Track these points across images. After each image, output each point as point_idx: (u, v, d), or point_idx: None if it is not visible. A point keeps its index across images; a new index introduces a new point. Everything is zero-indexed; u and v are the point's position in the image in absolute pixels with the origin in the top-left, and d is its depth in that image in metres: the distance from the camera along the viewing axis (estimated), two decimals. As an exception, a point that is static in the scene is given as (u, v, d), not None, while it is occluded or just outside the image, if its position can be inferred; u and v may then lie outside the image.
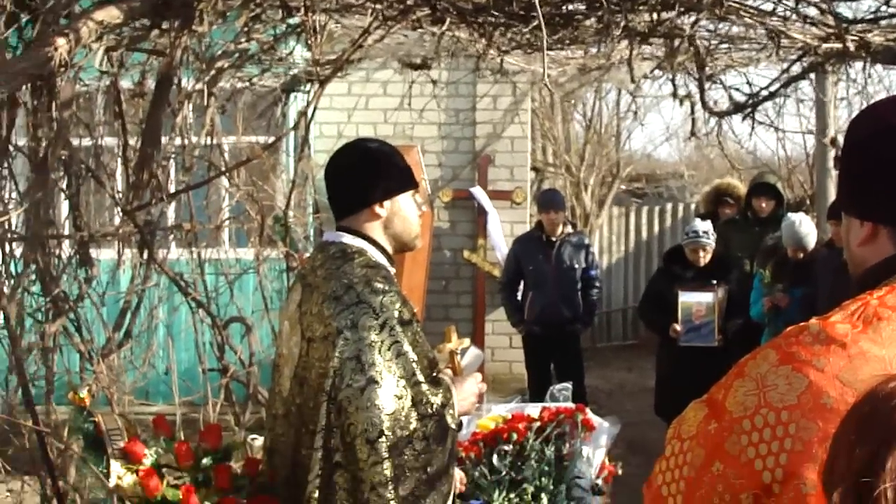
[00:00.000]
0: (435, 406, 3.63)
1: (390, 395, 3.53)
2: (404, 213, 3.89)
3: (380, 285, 3.66)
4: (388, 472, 3.49)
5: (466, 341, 4.33)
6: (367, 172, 3.87)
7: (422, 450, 3.57)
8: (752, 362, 2.08)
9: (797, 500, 1.94)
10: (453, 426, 3.71)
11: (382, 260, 3.83)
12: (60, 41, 3.11)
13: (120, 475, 4.11)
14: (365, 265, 3.73)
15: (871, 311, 2.03)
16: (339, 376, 3.56)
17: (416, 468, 3.56)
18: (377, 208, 3.84)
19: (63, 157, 5.29)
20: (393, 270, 3.87)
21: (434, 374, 3.80)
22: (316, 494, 3.63)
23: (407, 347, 3.62)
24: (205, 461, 4.28)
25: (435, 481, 3.61)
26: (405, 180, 3.93)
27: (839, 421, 1.86)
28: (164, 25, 4.31)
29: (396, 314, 3.63)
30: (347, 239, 3.83)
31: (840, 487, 1.57)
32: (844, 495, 1.54)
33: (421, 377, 3.63)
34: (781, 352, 2.04)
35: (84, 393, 4.51)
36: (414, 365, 3.62)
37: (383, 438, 3.49)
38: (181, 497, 4.11)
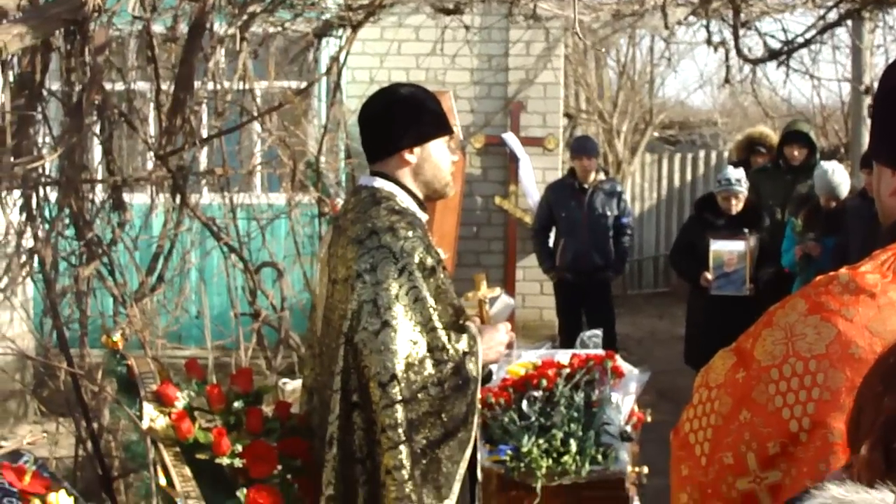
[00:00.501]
0: (451, 353, 3.63)
1: (405, 340, 3.54)
2: (435, 159, 3.86)
3: (403, 231, 3.65)
4: (399, 416, 3.51)
5: (497, 290, 4.32)
6: (397, 118, 3.85)
7: (437, 395, 3.57)
8: (781, 311, 2.08)
9: (824, 448, 1.95)
10: (475, 374, 3.69)
11: (412, 205, 3.82)
12: (93, -14, 3.12)
13: (153, 417, 4.15)
14: (391, 210, 3.73)
15: None
16: (357, 318, 3.58)
17: (431, 413, 3.57)
18: (407, 154, 3.82)
19: (96, 102, 5.30)
20: (424, 216, 3.85)
21: (460, 322, 3.80)
22: (336, 434, 3.66)
23: (426, 293, 3.61)
24: (236, 404, 4.31)
25: (451, 428, 3.60)
26: (436, 127, 3.89)
27: (867, 370, 1.87)
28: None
29: (417, 260, 3.62)
30: (379, 183, 3.83)
31: (868, 440, 1.56)
32: (873, 447, 1.53)
33: (438, 323, 3.62)
34: (811, 301, 2.04)
35: (117, 336, 4.55)
36: (431, 311, 3.61)
37: (395, 382, 3.50)
38: (213, 439, 4.15)
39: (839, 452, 1.92)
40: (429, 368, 3.57)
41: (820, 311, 2.01)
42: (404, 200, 3.80)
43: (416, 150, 3.83)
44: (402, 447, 3.52)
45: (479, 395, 3.75)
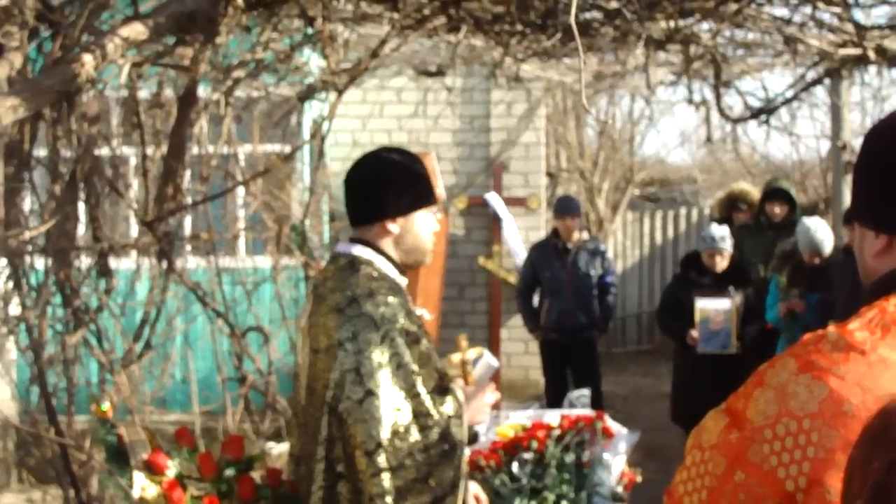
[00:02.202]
0: (437, 418, 3.60)
1: (389, 407, 3.51)
2: (417, 230, 3.82)
3: (383, 297, 3.63)
4: (386, 484, 3.48)
5: (480, 350, 4.32)
6: (382, 186, 3.82)
7: (423, 461, 3.54)
8: (772, 371, 2.10)
9: None
10: (461, 438, 3.67)
11: (392, 271, 3.79)
12: (87, 58, 3.13)
13: (144, 486, 4.13)
14: (370, 277, 3.70)
15: (889, 318, 2.05)
16: (340, 387, 3.56)
17: (418, 479, 3.54)
18: (389, 224, 3.79)
19: (85, 170, 5.32)
20: (404, 281, 3.83)
21: (444, 386, 3.78)
22: (316, 502, 3.63)
23: (408, 359, 3.58)
24: (228, 472, 4.29)
25: (438, 493, 3.58)
26: (422, 197, 3.85)
27: (861, 427, 1.89)
28: (187, 39, 4.33)
29: (399, 326, 3.60)
30: (357, 250, 3.80)
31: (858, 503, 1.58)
32: None
33: (422, 389, 3.60)
34: (801, 360, 2.06)
35: (106, 405, 4.53)
36: (415, 377, 3.59)
37: (381, 450, 3.48)
38: (205, 508, 4.13)
39: None
40: (414, 435, 3.54)
41: (811, 370, 2.02)
42: (383, 267, 3.77)
43: (400, 220, 3.79)
44: None
45: (465, 459, 3.73)
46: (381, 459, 3.48)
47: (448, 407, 3.68)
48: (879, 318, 2.05)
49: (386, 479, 3.48)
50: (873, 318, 2.06)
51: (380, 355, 3.54)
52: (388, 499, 3.49)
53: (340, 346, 3.59)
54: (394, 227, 3.79)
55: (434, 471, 3.56)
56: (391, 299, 3.64)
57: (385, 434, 3.49)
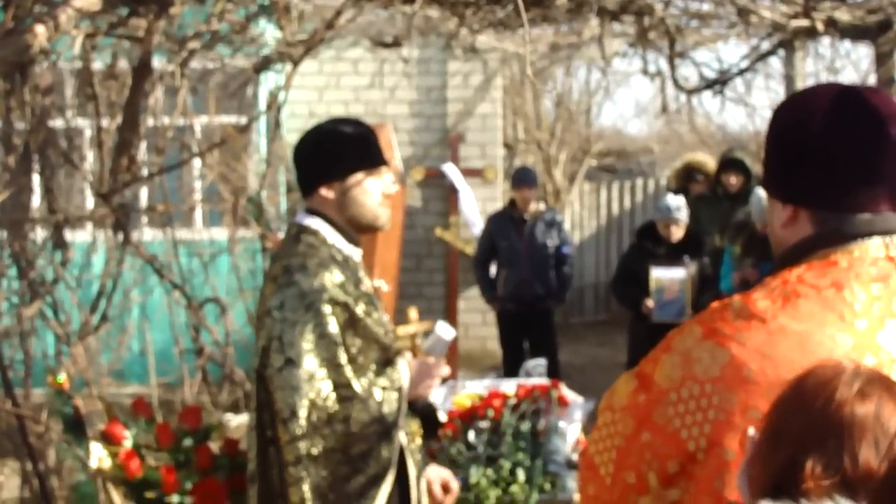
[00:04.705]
0: (358, 390, 3.58)
1: (308, 377, 3.52)
2: (354, 194, 3.78)
3: (314, 268, 3.63)
4: (300, 451, 3.49)
5: (438, 323, 4.31)
6: (315, 154, 3.83)
7: (342, 431, 3.53)
8: (679, 337, 2.19)
9: (719, 467, 2.05)
10: (392, 410, 3.63)
11: (339, 241, 3.78)
12: (40, 29, 3.12)
13: (101, 457, 4.14)
14: (310, 246, 3.70)
15: (791, 288, 2.13)
16: (266, 355, 3.58)
17: (336, 450, 3.54)
18: (324, 190, 3.77)
19: (39, 142, 5.30)
20: (354, 251, 3.82)
21: (389, 358, 3.76)
22: (255, 469, 3.66)
23: (331, 330, 3.57)
24: (185, 442, 4.32)
25: (359, 464, 3.57)
26: (358, 160, 3.81)
27: (759, 392, 1.98)
28: (141, 10, 4.32)
29: (326, 297, 3.59)
30: (307, 220, 3.80)
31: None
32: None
33: (343, 360, 3.58)
34: (706, 327, 2.15)
35: (63, 377, 4.54)
36: (336, 348, 3.58)
37: (295, 418, 3.48)
38: (162, 478, 4.15)
39: (733, 470, 2.00)
40: (333, 405, 3.54)
41: (714, 337, 2.11)
42: (329, 236, 3.76)
43: (336, 185, 3.77)
44: (304, 484, 3.50)
45: (400, 430, 3.68)
46: (295, 427, 3.48)
47: (384, 380, 3.67)
48: (781, 287, 2.13)
49: (301, 448, 3.49)
50: (776, 287, 2.14)
51: (303, 325, 3.54)
52: (301, 466, 3.50)
53: (268, 315, 3.61)
54: (328, 192, 3.76)
55: (353, 441, 3.55)
56: (326, 270, 3.63)
57: (301, 403, 3.49)
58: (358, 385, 3.58)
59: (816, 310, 2.08)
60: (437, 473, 4.10)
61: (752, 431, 1.92)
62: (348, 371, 3.59)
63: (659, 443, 2.12)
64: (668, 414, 2.11)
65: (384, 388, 3.65)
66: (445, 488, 4.10)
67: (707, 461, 2.06)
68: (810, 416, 1.70)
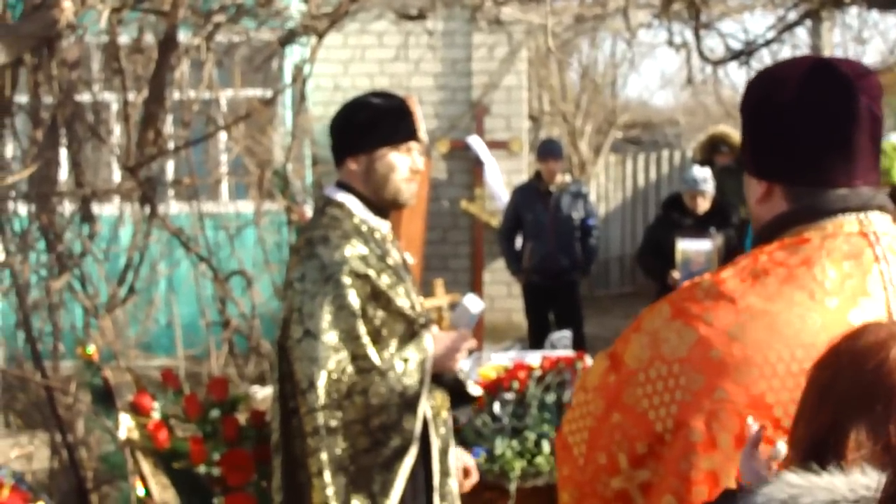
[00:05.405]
0: (377, 361, 3.59)
1: (326, 348, 3.53)
2: (378, 168, 3.77)
3: (337, 240, 3.64)
4: (320, 422, 3.50)
5: (467, 295, 4.30)
6: (344, 126, 3.84)
7: (361, 403, 3.54)
8: (648, 316, 2.17)
9: (686, 448, 2.03)
10: (412, 382, 3.62)
11: (365, 213, 3.79)
12: (66, 3, 3.14)
13: (130, 428, 4.18)
14: (334, 218, 3.72)
15: (760, 267, 2.10)
16: (287, 326, 3.61)
17: (356, 421, 3.55)
18: (350, 163, 3.79)
19: (66, 116, 5.33)
20: (382, 224, 3.83)
21: (414, 331, 3.75)
22: (279, 440, 3.68)
23: (350, 301, 3.57)
24: (212, 413, 4.35)
25: (380, 436, 3.58)
26: (386, 134, 3.80)
27: (726, 373, 1.96)
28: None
29: (347, 268, 3.59)
30: (335, 193, 3.81)
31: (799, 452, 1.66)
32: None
33: (362, 331, 3.59)
34: (674, 307, 2.13)
35: (92, 348, 4.57)
36: (356, 319, 3.58)
37: (313, 389, 3.50)
38: (190, 448, 4.19)
39: (700, 451, 2.01)
40: (352, 377, 3.55)
41: (682, 317, 2.09)
42: (355, 208, 3.77)
43: (363, 157, 3.77)
44: (322, 454, 3.51)
45: (424, 403, 3.65)
46: (313, 398, 3.49)
47: (409, 352, 3.66)
48: (751, 266, 2.11)
49: (319, 418, 3.50)
50: (746, 266, 2.12)
51: (323, 297, 3.56)
52: (318, 437, 3.50)
53: (290, 286, 3.63)
54: (354, 166, 3.78)
55: (372, 413, 3.55)
56: (348, 242, 3.64)
57: (320, 374, 3.51)
58: (377, 357, 3.59)
59: (786, 289, 2.06)
60: (460, 458, 4.09)
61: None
62: (367, 343, 3.59)
63: (628, 424, 2.11)
64: (636, 394, 2.10)
65: (406, 360, 3.64)
66: (466, 473, 4.11)
67: (674, 442, 2.05)
68: (860, 379, 1.64)
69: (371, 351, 3.59)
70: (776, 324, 2.01)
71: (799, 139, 2.14)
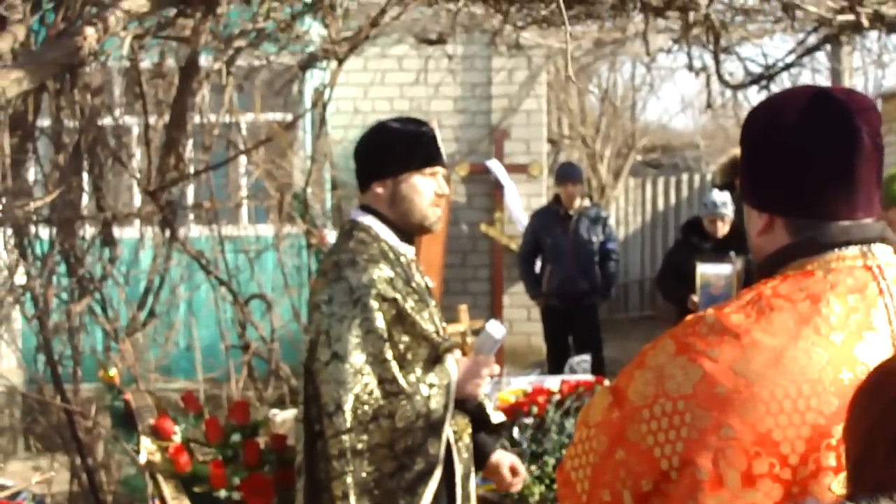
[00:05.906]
0: (404, 385, 3.58)
1: (354, 371, 3.53)
2: (405, 193, 3.78)
3: (364, 264, 3.64)
4: (346, 445, 3.50)
5: (489, 321, 4.30)
6: (369, 150, 3.85)
7: (387, 427, 3.54)
8: (652, 352, 2.14)
9: (692, 486, 2.00)
10: (437, 407, 3.61)
11: (391, 237, 3.80)
12: (89, 31, 3.17)
13: (150, 451, 4.19)
14: (360, 242, 3.73)
15: (765, 301, 2.07)
16: (313, 349, 3.61)
17: (382, 445, 3.55)
18: (376, 187, 3.79)
19: (88, 140, 5.36)
20: (407, 248, 3.83)
21: (438, 355, 3.75)
22: (303, 463, 3.68)
23: (378, 325, 3.58)
24: (234, 437, 4.36)
25: (405, 460, 3.57)
26: (412, 159, 3.81)
27: (732, 410, 1.95)
28: (188, 10, 4.36)
29: (374, 292, 3.59)
30: (360, 216, 3.83)
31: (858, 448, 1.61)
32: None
33: (389, 356, 3.59)
34: (678, 342, 2.09)
35: (114, 371, 4.59)
36: (383, 343, 3.58)
37: (341, 412, 3.49)
38: (211, 472, 4.19)
39: (706, 489, 1.97)
40: (378, 400, 3.55)
41: (687, 352, 2.06)
42: (381, 232, 3.78)
43: (389, 182, 3.78)
44: (348, 477, 3.51)
45: (448, 427, 3.66)
46: (341, 421, 3.49)
47: (432, 377, 3.66)
48: (755, 300, 2.08)
49: (345, 441, 3.50)
50: (750, 300, 2.08)
51: (350, 320, 3.56)
52: (345, 460, 3.50)
53: (317, 309, 3.63)
54: (381, 190, 3.78)
55: (398, 437, 3.55)
56: (376, 266, 3.64)
57: (346, 397, 3.50)
58: (404, 381, 3.59)
59: (791, 323, 2.03)
60: (506, 457, 4.09)
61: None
62: (394, 366, 3.59)
63: (633, 461, 2.08)
64: (641, 431, 2.07)
65: (431, 385, 3.64)
66: (514, 471, 4.11)
67: (680, 480, 2.02)
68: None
69: (398, 375, 3.60)
70: (782, 359, 1.99)
71: (800, 171, 2.12)
